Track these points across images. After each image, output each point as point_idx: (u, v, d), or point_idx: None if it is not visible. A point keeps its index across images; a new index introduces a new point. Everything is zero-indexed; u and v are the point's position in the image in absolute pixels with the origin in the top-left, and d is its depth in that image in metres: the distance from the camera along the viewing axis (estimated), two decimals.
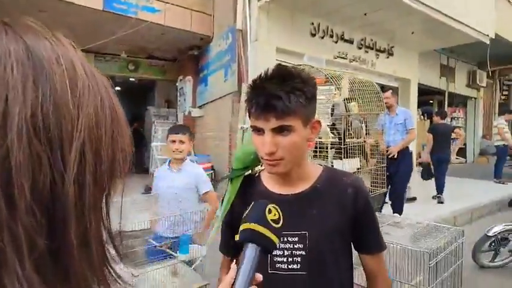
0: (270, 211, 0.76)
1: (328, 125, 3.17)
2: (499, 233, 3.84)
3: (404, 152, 5.09)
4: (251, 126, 0.98)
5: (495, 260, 4.05)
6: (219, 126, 7.01)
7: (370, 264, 1.08)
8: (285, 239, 1.01)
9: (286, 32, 6.40)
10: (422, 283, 1.47)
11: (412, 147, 6.28)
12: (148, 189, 6.97)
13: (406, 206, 5.44)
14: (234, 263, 0.74)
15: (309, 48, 6.57)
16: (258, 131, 0.96)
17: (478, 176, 9.21)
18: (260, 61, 6.01)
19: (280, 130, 0.93)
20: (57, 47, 0.37)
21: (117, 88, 15.21)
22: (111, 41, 6.95)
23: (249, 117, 0.98)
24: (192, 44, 8.05)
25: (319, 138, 3.10)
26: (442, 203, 6.42)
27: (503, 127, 8.59)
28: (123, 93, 16.44)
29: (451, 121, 12.53)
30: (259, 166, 1.15)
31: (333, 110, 3.39)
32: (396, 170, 4.87)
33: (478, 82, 12.45)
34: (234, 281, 0.67)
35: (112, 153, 0.39)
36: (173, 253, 2.01)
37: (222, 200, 1.16)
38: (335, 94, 3.22)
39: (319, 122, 1.04)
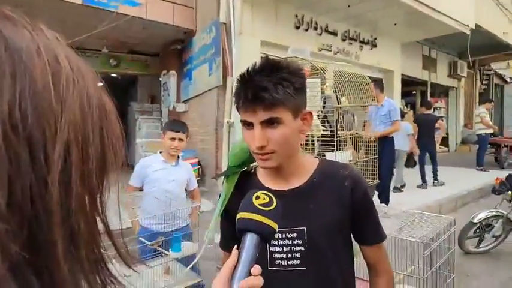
0: (257, 197, 0.75)
1: (319, 118, 3.17)
2: (483, 219, 3.93)
3: (386, 142, 5.10)
4: (240, 121, 0.96)
5: (480, 246, 4.14)
6: (205, 121, 6.95)
7: (371, 255, 1.08)
8: (284, 235, 1.00)
9: (270, 24, 6.36)
10: (417, 272, 1.48)
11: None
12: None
13: (392, 196, 5.51)
14: (235, 247, 0.73)
15: (294, 40, 6.54)
16: (248, 125, 0.94)
17: (460, 164, 9.41)
18: (245, 54, 5.96)
19: (269, 122, 0.92)
20: (38, 38, 0.34)
21: (99, 84, 14.92)
22: (92, 37, 6.77)
23: (238, 111, 0.96)
24: (175, 38, 7.93)
25: (311, 130, 3.09)
26: (443, 184, 6.98)
27: (485, 115, 8.78)
28: (105, 89, 16.16)
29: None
30: (255, 162, 1.13)
31: (324, 102, 3.38)
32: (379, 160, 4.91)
33: (459, 72, 12.68)
34: (235, 269, 0.68)
35: (101, 151, 0.37)
36: (165, 251, 1.98)
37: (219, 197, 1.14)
38: (326, 87, 3.21)
39: (310, 114, 1.02)
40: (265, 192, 0.77)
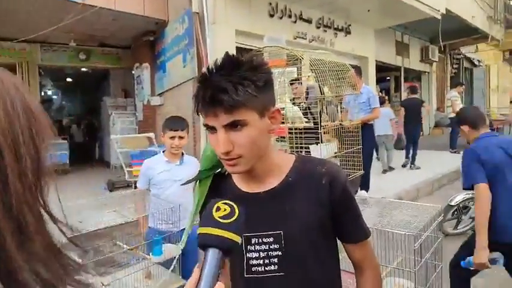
0: (218, 209, 0.71)
1: (301, 109, 3.10)
2: (460, 201, 4.03)
3: (366, 129, 5.14)
4: (203, 125, 0.89)
5: (458, 227, 4.25)
6: (181, 114, 6.71)
7: (356, 253, 1.03)
8: (260, 240, 0.95)
9: (244, 13, 6.24)
10: (406, 265, 1.47)
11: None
12: (111, 185, 6.70)
13: (371, 182, 5.58)
14: (197, 266, 0.70)
15: (268, 29, 6.46)
16: (211, 129, 0.87)
17: (435, 148, 9.64)
18: (219, 44, 5.84)
19: (233, 125, 0.85)
20: None
21: (68, 79, 14.38)
22: (58, 30, 6.47)
23: (199, 115, 0.89)
24: (147, 30, 7.68)
25: (292, 123, 3.03)
26: (419, 168, 7.38)
27: (456, 99, 8.98)
28: (75, 85, 15.60)
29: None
30: None
31: (307, 93, 3.31)
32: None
33: (430, 57, 12.94)
34: (197, 286, 0.65)
35: (34, 150, 0.40)
36: (146, 255, 1.89)
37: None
38: (309, 77, 3.15)
39: (279, 111, 0.95)
40: (226, 201, 0.73)
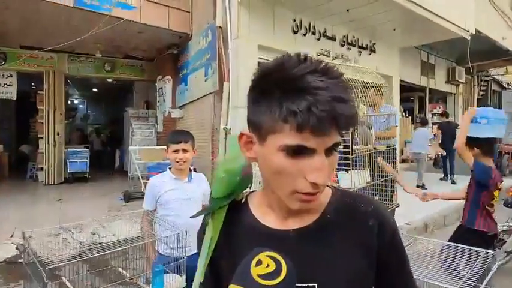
0: (258, 263, 0.57)
1: None
2: None
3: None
4: (290, 146, 0.63)
5: None
6: (201, 127, 6.78)
7: None
8: None
9: (267, 28, 6.22)
10: None
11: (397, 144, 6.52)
12: (127, 197, 6.68)
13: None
14: None
15: (292, 45, 6.42)
16: (299, 152, 0.64)
17: (461, 172, 9.24)
18: (242, 59, 5.82)
19: (331, 149, 0.65)
20: None
21: (94, 90, 14.74)
22: (85, 41, 6.62)
23: (295, 132, 0.62)
24: (171, 43, 7.78)
25: None
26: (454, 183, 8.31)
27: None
28: (101, 95, 15.99)
29: (432, 117, 12.65)
30: (247, 188, 0.85)
31: None
32: None
33: (457, 78, 12.61)
34: None
35: None
36: (146, 287, 1.74)
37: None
38: None
39: None
40: (270, 254, 0.57)
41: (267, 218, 0.78)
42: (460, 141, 2.84)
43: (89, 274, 1.82)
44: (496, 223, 2.99)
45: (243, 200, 0.83)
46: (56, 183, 8.58)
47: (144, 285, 1.77)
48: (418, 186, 7.49)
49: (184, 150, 2.26)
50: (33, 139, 10.56)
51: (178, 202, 2.26)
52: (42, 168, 8.75)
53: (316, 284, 0.71)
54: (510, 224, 3.80)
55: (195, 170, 2.44)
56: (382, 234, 0.75)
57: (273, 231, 0.76)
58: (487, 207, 2.88)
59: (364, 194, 0.85)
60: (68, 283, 1.53)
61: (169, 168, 2.37)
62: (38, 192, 8.03)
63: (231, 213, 0.82)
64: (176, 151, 2.26)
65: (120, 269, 1.77)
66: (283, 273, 0.56)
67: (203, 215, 0.87)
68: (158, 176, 2.45)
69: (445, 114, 9.55)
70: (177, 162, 2.25)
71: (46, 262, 1.36)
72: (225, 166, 0.84)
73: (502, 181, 2.90)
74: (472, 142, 2.82)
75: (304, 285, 0.70)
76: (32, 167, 9.75)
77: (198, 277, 0.79)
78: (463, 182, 7.76)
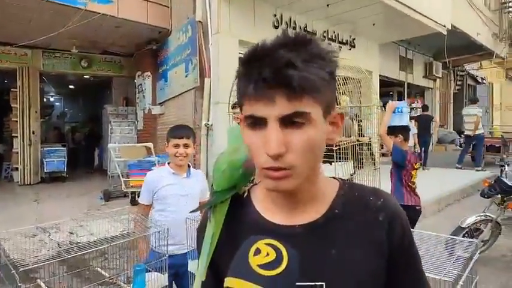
0: (257, 251, 0.53)
1: None
2: (472, 224, 3.84)
3: None
4: (245, 116, 0.64)
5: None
6: (182, 123, 6.68)
7: None
8: None
9: (248, 23, 6.17)
10: None
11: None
12: (107, 196, 6.53)
13: None
14: None
15: None
16: (255, 123, 0.62)
17: (439, 165, 9.47)
18: (222, 54, 5.76)
19: (291, 120, 0.61)
20: None
21: (71, 86, 14.34)
22: (60, 36, 6.41)
23: (242, 103, 0.64)
24: (150, 38, 7.63)
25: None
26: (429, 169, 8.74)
27: (481, 115, 9.01)
28: (78, 92, 15.57)
29: (410, 112, 12.87)
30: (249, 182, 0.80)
31: None
32: None
33: (434, 73, 12.88)
34: None
35: None
36: (126, 286, 1.66)
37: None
38: None
39: (342, 116, 0.71)
40: (269, 241, 0.53)
41: (271, 212, 0.73)
42: (382, 129, 3.35)
43: (67, 275, 1.75)
44: (419, 197, 3.44)
45: (246, 194, 0.79)
46: (32, 183, 8.32)
47: (124, 285, 1.71)
48: None
49: (186, 146, 2.24)
50: (8, 138, 10.21)
51: (175, 197, 2.23)
52: (17, 168, 8.46)
53: (324, 283, 0.66)
54: (487, 214, 3.90)
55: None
56: (393, 231, 0.70)
57: (278, 226, 0.70)
58: (409, 183, 3.35)
59: (373, 187, 0.80)
60: (43, 285, 1.46)
61: (168, 163, 2.34)
62: (13, 192, 7.77)
63: (233, 208, 0.77)
64: (177, 146, 2.23)
65: (98, 269, 1.71)
66: (285, 262, 0.53)
67: (203, 215, 0.84)
68: (156, 170, 2.45)
69: (424, 107, 10.14)
70: (177, 157, 2.23)
71: (19, 264, 1.30)
72: (226, 158, 0.80)
73: (419, 162, 3.52)
74: (396, 131, 3.39)
75: (311, 283, 0.65)
76: (6, 167, 9.43)
77: (200, 276, 0.74)
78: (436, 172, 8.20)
